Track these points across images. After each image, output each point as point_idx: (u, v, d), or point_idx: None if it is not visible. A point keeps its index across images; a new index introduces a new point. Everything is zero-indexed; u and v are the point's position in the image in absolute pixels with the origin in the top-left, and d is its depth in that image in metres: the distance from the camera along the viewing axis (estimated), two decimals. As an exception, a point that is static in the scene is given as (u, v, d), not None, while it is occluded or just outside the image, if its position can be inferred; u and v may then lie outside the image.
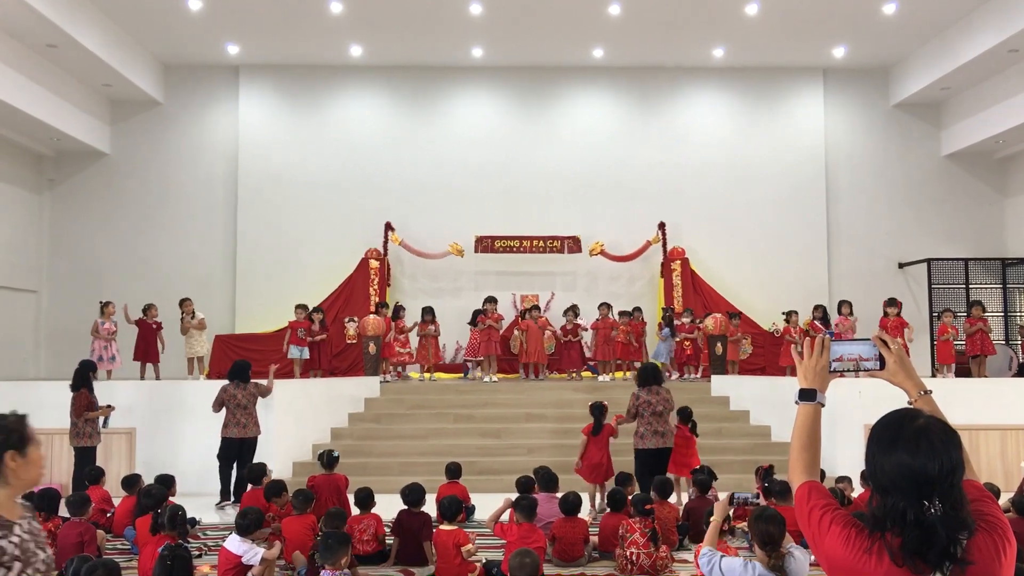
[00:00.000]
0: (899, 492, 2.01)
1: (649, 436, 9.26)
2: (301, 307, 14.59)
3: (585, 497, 8.94)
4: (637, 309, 15.90)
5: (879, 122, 18.23)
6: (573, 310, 15.67)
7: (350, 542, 5.75)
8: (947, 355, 13.82)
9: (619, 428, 9.82)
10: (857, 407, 11.09)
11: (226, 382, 10.71)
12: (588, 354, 16.01)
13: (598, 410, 9.79)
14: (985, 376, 13.63)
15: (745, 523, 6.74)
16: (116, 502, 9.08)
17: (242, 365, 10.88)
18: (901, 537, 2.00)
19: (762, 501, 7.25)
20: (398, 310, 15.59)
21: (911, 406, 2.47)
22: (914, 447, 2.02)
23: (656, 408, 9.29)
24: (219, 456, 10.59)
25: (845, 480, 8.70)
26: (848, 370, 2.61)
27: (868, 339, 2.58)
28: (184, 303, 14.41)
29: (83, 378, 10.28)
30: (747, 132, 18.12)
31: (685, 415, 10.20)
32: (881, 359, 2.55)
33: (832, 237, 17.95)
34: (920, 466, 2.00)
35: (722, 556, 4.96)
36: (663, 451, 9.31)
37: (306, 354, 14.30)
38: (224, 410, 10.55)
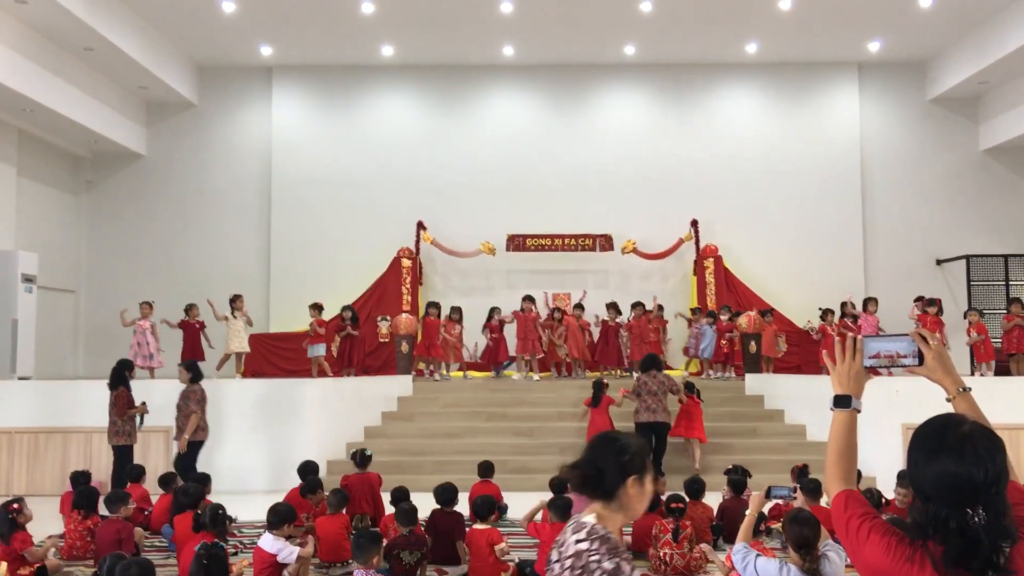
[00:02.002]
0: (942, 499, 1.97)
1: (643, 412, 11.19)
2: (313, 306, 14.54)
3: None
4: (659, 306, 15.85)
5: (916, 117, 17.98)
6: (615, 307, 15.53)
7: (382, 541, 5.77)
8: (982, 353, 13.56)
9: (623, 402, 11.61)
10: (894, 407, 10.95)
11: (195, 386, 10.36)
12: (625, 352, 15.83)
13: (597, 386, 11.80)
14: (1024, 375, 13.39)
15: (779, 523, 6.67)
16: (154, 500, 9.19)
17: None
18: (944, 545, 1.95)
19: (799, 497, 7.18)
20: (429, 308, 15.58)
21: (950, 406, 2.43)
22: (959, 454, 1.97)
23: (651, 388, 11.21)
24: (193, 462, 10.15)
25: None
26: (885, 366, 2.57)
27: (907, 335, 2.54)
28: (239, 299, 14.42)
29: (120, 377, 10.40)
30: (781, 128, 17.95)
31: (690, 386, 12.03)
32: (920, 355, 2.51)
33: (868, 233, 17.73)
34: (965, 473, 1.95)
35: (757, 555, 4.91)
36: (655, 424, 11.10)
37: (320, 350, 14.19)
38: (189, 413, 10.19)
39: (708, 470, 10.68)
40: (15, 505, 7.39)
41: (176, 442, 10.21)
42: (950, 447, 1.99)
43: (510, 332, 15.33)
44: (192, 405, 10.07)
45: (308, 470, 9.01)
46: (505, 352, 15.30)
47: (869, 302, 14.83)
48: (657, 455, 11.06)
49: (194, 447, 10.19)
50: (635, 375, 13.34)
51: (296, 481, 8.96)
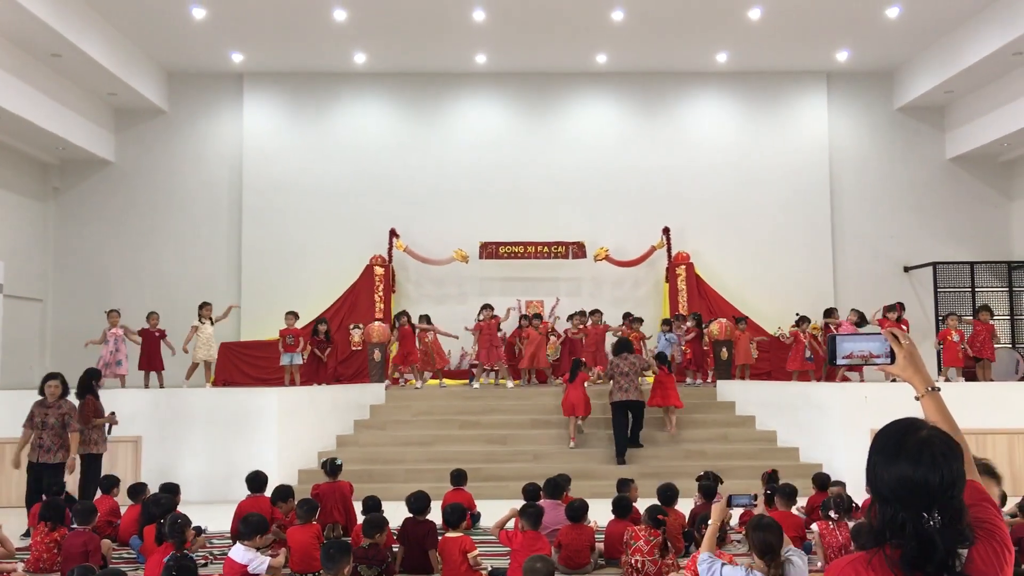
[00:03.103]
0: (899, 502, 2.00)
1: (617, 392, 12.04)
2: (291, 314, 14.47)
3: (582, 492, 8.90)
4: (629, 314, 15.93)
5: (883, 125, 18.21)
6: (581, 315, 15.61)
7: (351, 550, 5.73)
8: (953, 359, 13.72)
9: (597, 383, 13.12)
10: (863, 412, 11.05)
11: (70, 401, 9.76)
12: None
13: (576, 363, 12.76)
14: (990, 380, 13.56)
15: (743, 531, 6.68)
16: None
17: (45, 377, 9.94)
18: (900, 549, 1.98)
19: (760, 504, 7.21)
20: (400, 316, 15.59)
21: (919, 408, 2.46)
22: (916, 459, 2.00)
23: (623, 369, 12.06)
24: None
25: (839, 484, 8.57)
26: (857, 365, 2.61)
27: (879, 334, 2.57)
28: (207, 307, 14.29)
29: (87, 386, 10.26)
30: (751, 136, 18.11)
31: (662, 357, 13.21)
32: (892, 354, 2.53)
33: (837, 241, 17.92)
34: (921, 478, 1.98)
35: (723, 564, 4.92)
36: (629, 403, 12.03)
37: (298, 360, 14.15)
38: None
39: (680, 475, 10.64)
40: None
41: (64, 463, 9.48)
42: (907, 452, 2.02)
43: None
44: (76, 423, 9.61)
45: (259, 480, 8.82)
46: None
47: (852, 313, 14.79)
48: (634, 431, 12.25)
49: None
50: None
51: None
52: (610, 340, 15.14)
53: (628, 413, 12.11)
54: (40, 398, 9.68)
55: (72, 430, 9.60)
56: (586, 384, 12.85)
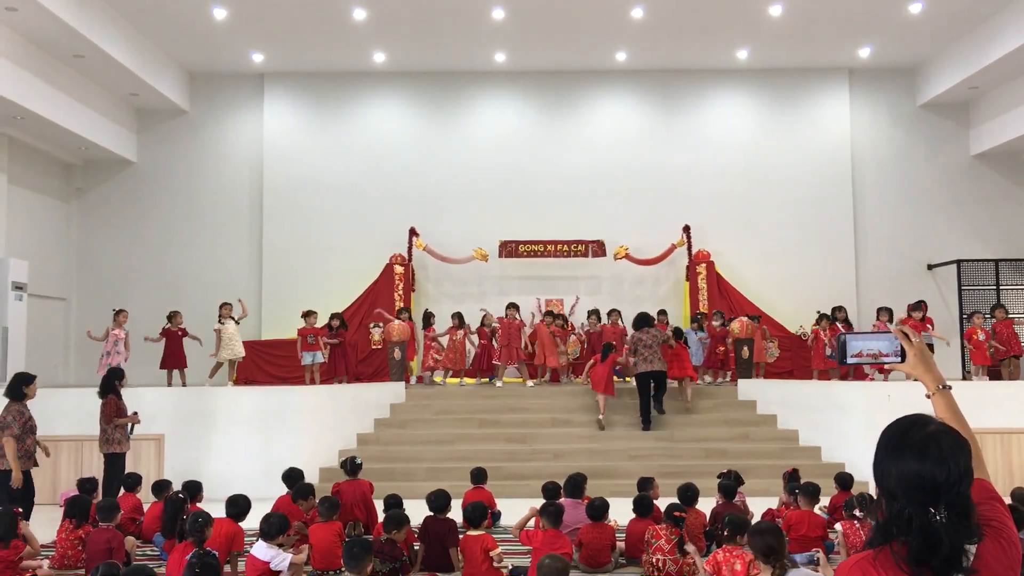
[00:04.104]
0: (905, 497, 1.99)
1: (642, 363, 12.83)
2: (308, 313, 14.49)
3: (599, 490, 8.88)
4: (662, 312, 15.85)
5: (906, 122, 18.04)
6: (596, 313, 15.60)
7: (373, 549, 5.75)
8: (980, 357, 13.59)
9: (628, 360, 13.40)
10: (886, 411, 10.95)
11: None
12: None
13: (606, 347, 13.44)
14: (1018, 378, 13.42)
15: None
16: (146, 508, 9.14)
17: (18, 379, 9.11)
18: (907, 546, 1.96)
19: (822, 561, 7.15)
20: (429, 316, 15.61)
21: (927, 399, 2.46)
22: (922, 453, 1.99)
23: (647, 343, 12.88)
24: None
25: None
26: (866, 363, 2.59)
27: (889, 332, 2.55)
28: (227, 306, 14.28)
29: (110, 385, 10.34)
30: (772, 134, 17.99)
31: (678, 333, 14.06)
32: (902, 352, 2.52)
33: (859, 239, 17.77)
34: (927, 472, 1.96)
35: None
36: (653, 373, 12.81)
37: (319, 358, 14.18)
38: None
39: (701, 475, 10.56)
40: (19, 509, 7.37)
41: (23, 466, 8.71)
42: (913, 446, 2.01)
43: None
44: (15, 427, 8.82)
45: (294, 477, 8.95)
46: (490, 359, 15.30)
47: (881, 312, 14.57)
48: (658, 397, 12.99)
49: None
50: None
51: (284, 489, 8.92)
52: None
53: (652, 383, 12.89)
54: (11, 400, 8.86)
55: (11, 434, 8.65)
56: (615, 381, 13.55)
